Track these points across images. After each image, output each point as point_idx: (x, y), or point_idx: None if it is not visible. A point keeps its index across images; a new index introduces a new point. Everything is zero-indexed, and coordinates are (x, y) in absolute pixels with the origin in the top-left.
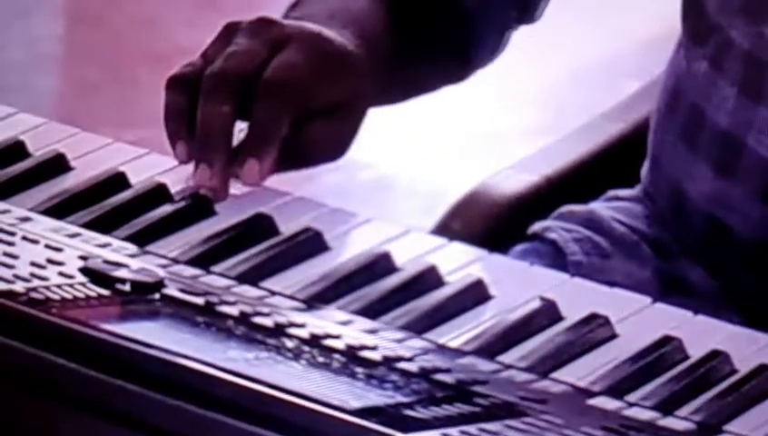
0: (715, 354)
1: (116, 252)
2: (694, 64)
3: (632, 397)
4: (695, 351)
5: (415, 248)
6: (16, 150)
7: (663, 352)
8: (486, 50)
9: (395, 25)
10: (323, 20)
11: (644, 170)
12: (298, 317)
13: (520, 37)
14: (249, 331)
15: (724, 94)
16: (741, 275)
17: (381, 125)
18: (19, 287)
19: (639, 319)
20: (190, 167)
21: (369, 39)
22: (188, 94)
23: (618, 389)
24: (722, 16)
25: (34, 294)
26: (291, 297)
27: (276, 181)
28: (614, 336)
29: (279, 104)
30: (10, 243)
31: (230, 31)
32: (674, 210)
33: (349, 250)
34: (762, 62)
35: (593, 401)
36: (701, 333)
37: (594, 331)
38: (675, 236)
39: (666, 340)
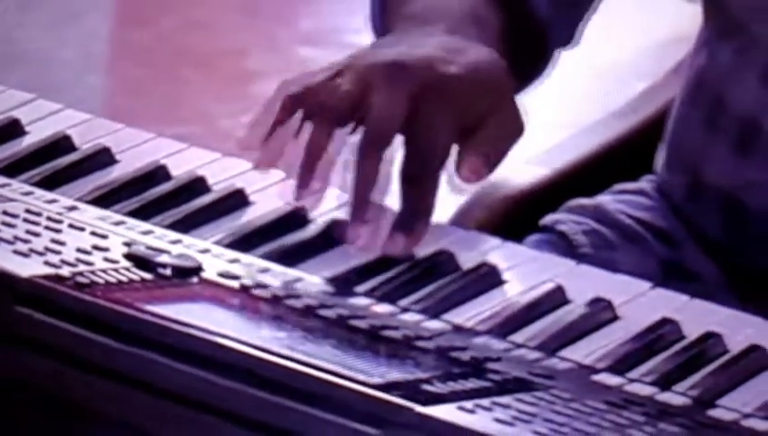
0: (710, 335)
1: (158, 239)
2: (717, 56)
3: (633, 374)
4: (691, 333)
5: (430, 236)
6: (64, 144)
7: (661, 333)
8: (545, 66)
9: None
10: (439, 18)
11: (659, 159)
12: (325, 298)
13: None
14: (281, 312)
15: (747, 83)
16: (757, 254)
17: None
18: (66, 271)
19: (640, 302)
20: (225, 161)
21: (491, 36)
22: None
23: (620, 366)
24: (745, 14)
25: (80, 278)
26: (323, 280)
27: None
28: (616, 318)
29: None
30: (58, 231)
31: (361, 73)
32: (691, 193)
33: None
34: None
35: (597, 378)
36: (696, 316)
37: (598, 313)
38: (689, 222)
39: (665, 322)
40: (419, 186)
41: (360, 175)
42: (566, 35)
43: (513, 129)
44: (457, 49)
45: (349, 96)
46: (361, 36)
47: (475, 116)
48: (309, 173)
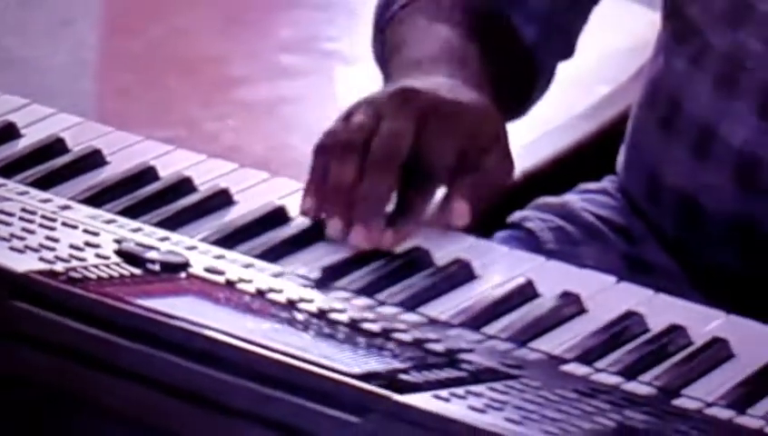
0: (674, 328)
1: (147, 236)
2: (674, 61)
3: (599, 364)
4: (655, 325)
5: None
6: (57, 146)
7: (626, 325)
8: (542, 87)
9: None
10: (430, 67)
11: (620, 161)
12: (306, 292)
13: None
14: (265, 305)
15: (701, 88)
16: (714, 253)
17: None
18: (60, 267)
19: (606, 296)
20: (210, 162)
21: (481, 83)
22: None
23: (587, 357)
24: (702, 21)
25: (73, 273)
26: (304, 275)
27: None
28: (583, 311)
29: (433, 178)
30: (52, 228)
31: (372, 104)
32: (650, 194)
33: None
34: (737, 62)
35: (565, 368)
36: (660, 309)
37: (566, 306)
38: (648, 221)
39: (630, 314)
40: (418, 195)
41: (367, 191)
42: (566, 48)
43: (502, 174)
44: (459, 86)
45: (362, 126)
46: (338, 44)
47: (472, 149)
48: (336, 207)
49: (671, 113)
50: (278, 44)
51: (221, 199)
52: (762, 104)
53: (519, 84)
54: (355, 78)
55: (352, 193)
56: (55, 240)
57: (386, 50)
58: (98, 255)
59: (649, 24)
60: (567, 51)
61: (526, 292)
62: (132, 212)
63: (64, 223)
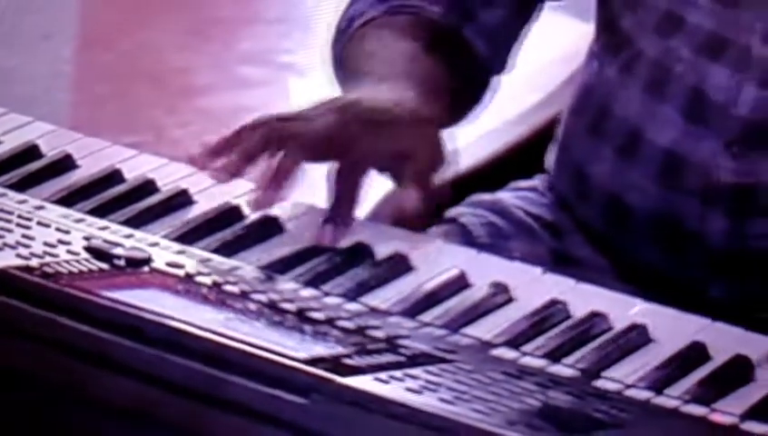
0: (595, 314)
1: (114, 233)
2: (606, 69)
3: (526, 348)
4: (578, 312)
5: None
6: (32, 151)
7: (551, 313)
8: (487, 97)
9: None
10: (392, 81)
11: (550, 160)
12: (258, 284)
13: None
14: (221, 296)
15: (631, 93)
16: (640, 250)
17: None
18: (34, 263)
19: (532, 286)
20: (172, 165)
21: (430, 94)
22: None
23: (515, 342)
24: (634, 33)
25: (46, 269)
26: (257, 269)
27: None
28: (511, 300)
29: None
30: (27, 227)
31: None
32: (578, 192)
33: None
34: (666, 67)
35: (495, 352)
36: (583, 297)
37: (495, 295)
38: (577, 218)
39: (554, 302)
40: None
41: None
42: (505, 64)
43: (433, 160)
44: (408, 99)
45: (287, 114)
46: (293, 57)
47: (400, 148)
48: (233, 168)
49: (600, 119)
50: (238, 57)
51: (182, 199)
52: (688, 107)
53: (470, 95)
54: (308, 89)
55: (236, 150)
56: (31, 238)
57: (345, 64)
58: (69, 252)
59: (579, 35)
60: (508, 63)
61: (459, 283)
62: (100, 211)
63: (38, 223)
